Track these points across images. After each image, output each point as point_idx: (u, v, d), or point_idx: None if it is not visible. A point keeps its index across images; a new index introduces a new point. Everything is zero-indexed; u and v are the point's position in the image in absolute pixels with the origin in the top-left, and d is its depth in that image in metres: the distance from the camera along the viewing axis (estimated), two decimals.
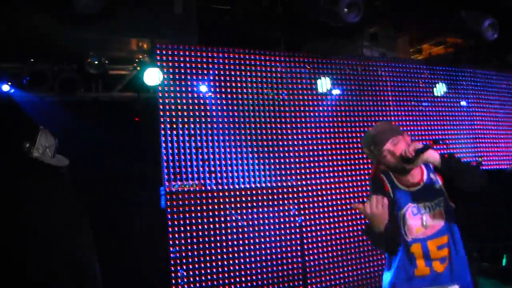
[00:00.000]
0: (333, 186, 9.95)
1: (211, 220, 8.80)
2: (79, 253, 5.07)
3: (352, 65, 10.30)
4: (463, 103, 11.93)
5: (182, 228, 8.58)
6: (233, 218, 8.92)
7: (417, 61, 12.02)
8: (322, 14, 9.07)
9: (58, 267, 4.85)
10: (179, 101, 8.82)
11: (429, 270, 4.78)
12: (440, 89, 11.55)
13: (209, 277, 8.68)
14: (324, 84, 10.12)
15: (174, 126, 8.73)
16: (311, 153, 9.80)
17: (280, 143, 9.53)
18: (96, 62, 9.43)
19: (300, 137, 9.75)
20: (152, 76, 9.39)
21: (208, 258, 8.71)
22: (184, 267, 8.53)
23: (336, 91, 10.26)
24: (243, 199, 9.11)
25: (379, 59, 10.99)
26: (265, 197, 9.29)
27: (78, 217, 5.28)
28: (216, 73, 9.15)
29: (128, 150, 9.86)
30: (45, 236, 4.84)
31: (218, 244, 8.82)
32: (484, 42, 10.31)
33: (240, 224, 8.99)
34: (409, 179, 4.82)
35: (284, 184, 9.47)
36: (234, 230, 8.96)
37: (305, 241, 9.29)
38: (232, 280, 8.91)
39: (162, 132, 8.66)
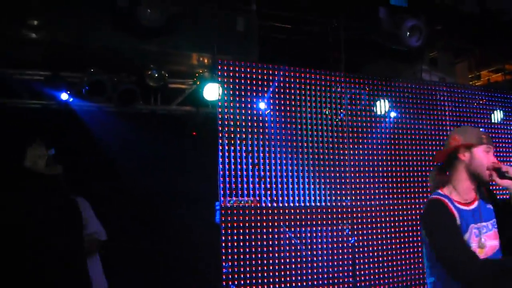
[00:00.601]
0: (387, 208, 9.93)
1: (264, 237, 8.80)
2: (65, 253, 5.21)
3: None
4: None
5: (235, 244, 8.59)
6: (287, 236, 8.94)
7: (475, 87, 11.95)
8: (384, 37, 9.11)
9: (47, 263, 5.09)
10: (237, 117, 8.87)
11: None
12: (497, 115, 11.48)
13: None
14: (382, 106, 10.12)
15: (232, 142, 8.77)
16: (366, 174, 9.80)
17: (337, 163, 9.54)
18: (156, 75, 9.52)
19: (356, 158, 9.75)
20: (212, 91, 9.48)
21: (260, 274, 8.71)
22: (236, 283, 8.54)
23: (394, 114, 10.25)
24: (298, 217, 9.11)
25: (439, 83, 10.95)
26: (319, 216, 9.30)
27: (67, 221, 5.41)
28: (276, 90, 9.18)
29: (185, 164, 9.95)
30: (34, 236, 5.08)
31: (271, 262, 8.81)
32: None
33: (293, 242, 9.00)
34: (467, 196, 4.69)
35: (339, 204, 9.47)
36: (287, 248, 8.97)
37: (357, 261, 9.29)
38: None
39: (220, 147, 8.70)
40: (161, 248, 9.63)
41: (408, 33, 8.92)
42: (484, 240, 4.59)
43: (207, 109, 10.07)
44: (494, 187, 4.90)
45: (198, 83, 9.96)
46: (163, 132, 9.96)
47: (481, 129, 4.82)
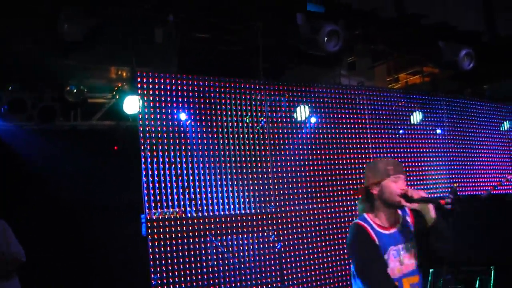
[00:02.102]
0: (311, 212, 10.07)
1: (191, 247, 8.82)
2: None
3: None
4: (438, 130, 12.13)
5: (163, 255, 8.58)
6: (214, 244, 8.96)
7: (393, 90, 12.20)
8: (303, 42, 9.21)
9: None
10: (159, 129, 8.85)
11: None
12: (416, 117, 11.75)
13: None
14: (302, 112, 10.24)
15: (155, 153, 8.75)
16: (289, 180, 9.90)
17: (259, 170, 9.61)
18: (75, 90, 9.45)
19: (278, 164, 9.85)
20: (132, 104, 9.43)
21: (189, 284, 8.72)
22: None
23: (314, 119, 10.38)
24: (223, 225, 9.16)
25: (357, 87, 11.12)
26: (244, 223, 9.36)
27: None
28: (196, 101, 9.20)
29: (108, 178, 9.88)
30: None
31: (199, 271, 8.84)
32: (461, 71, 10.53)
33: (220, 250, 9.03)
34: (387, 221, 5.01)
35: (263, 210, 9.54)
36: (215, 257, 9.00)
37: (284, 266, 9.37)
38: None
39: (143, 159, 8.68)
40: (88, 264, 9.54)
41: (326, 39, 9.02)
42: (403, 258, 4.95)
43: (127, 123, 10.00)
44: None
45: (117, 96, 9.91)
46: (84, 147, 9.85)
47: (390, 160, 5.16)
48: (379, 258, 4.85)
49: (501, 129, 13.39)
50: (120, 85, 9.98)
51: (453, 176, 12.05)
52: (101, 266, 9.49)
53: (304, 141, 10.21)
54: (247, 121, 9.69)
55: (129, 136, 9.54)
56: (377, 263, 4.84)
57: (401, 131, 11.52)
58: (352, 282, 5.11)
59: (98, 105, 10.17)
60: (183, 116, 9.13)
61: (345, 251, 9.66)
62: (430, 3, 9.54)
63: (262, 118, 9.82)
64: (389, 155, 10.99)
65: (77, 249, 9.55)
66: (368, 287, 4.88)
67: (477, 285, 9.98)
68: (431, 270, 10.21)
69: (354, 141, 10.67)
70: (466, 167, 12.32)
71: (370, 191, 5.02)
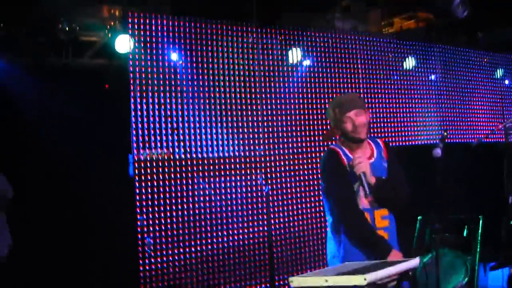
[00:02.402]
0: (300, 156, 10.07)
1: (178, 188, 8.80)
2: None
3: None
4: (432, 77, 12.08)
5: (149, 196, 8.55)
6: (201, 186, 8.98)
7: (387, 35, 12.10)
8: None
9: None
10: (149, 70, 8.78)
11: None
12: (409, 63, 11.69)
13: (175, 244, 8.73)
14: (295, 55, 10.17)
15: (144, 94, 8.70)
16: (279, 123, 9.88)
17: (249, 113, 9.58)
18: (67, 28, 9.37)
19: (269, 107, 9.82)
20: (124, 44, 9.34)
21: (175, 226, 8.74)
22: (152, 235, 8.53)
23: (307, 62, 10.32)
24: (211, 167, 9.15)
25: (350, 33, 11.04)
26: (233, 166, 9.37)
27: None
28: (188, 42, 9.13)
29: (99, 117, 9.83)
30: None
31: (186, 213, 8.85)
32: (455, 19, 10.44)
33: (207, 192, 9.05)
34: (361, 153, 5.03)
35: (252, 153, 9.55)
36: (202, 199, 9.02)
37: (271, 210, 9.40)
38: (199, 248, 8.97)
39: (132, 99, 8.62)
40: (77, 204, 9.54)
41: None
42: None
43: (119, 62, 9.91)
44: None
45: (109, 35, 9.82)
46: (76, 86, 9.78)
47: (348, 95, 5.26)
48: (347, 181, 4.95)
49: (494, 77, 13.35)
50: (112, 23, 9.87)
51: (445, 123, 12.05)
52: (89, 205, 9.47)
53: (296, 85, 10.15)
54: (239, 63, 9.62)
55: (121, 75, 9.45)
56: (344, 186, 4.95)
57: (394, 77, 11.49)
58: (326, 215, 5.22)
59: (90, 44, 10.06)
60: (174, 57, 9.06)
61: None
62: None
63: (253, 61, 9.75)
64: (381, 101, 10.98)
65: (65, 190, 9.52)
66: (335, 210, 5.01)
67: (465, 234, 10.01)
68: (418, 218, 10.26)
69: (346, 85, 10.61)
70: (458, 115, 12.33)
71: (334, 131, 5.15)
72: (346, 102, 5.10)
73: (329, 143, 5.32)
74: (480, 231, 9.80)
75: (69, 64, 9.85)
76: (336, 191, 4.97)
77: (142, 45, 8.79)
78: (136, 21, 8.77)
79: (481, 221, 9.87)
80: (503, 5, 11.68)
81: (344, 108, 5.01)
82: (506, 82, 13.63)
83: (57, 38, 9.41)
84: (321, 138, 10.02)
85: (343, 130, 5.02)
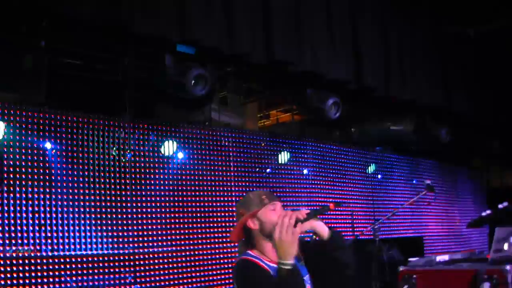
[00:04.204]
0: (172, 254, 9.97)
1: (45, 287, 8.54)
2: None
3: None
4: (305, 171, 12.27)
5: None
6: (68, 285, 8.73)
7: (260, 133, 12.29)
8: (170, 85, 9.13)
9: None
10: (18, 163, 8.57)
11: None
12: (284, 157, 11.85)
13: None
14: (168, 149, 10.15)
15: (11, 189, 8.46)
16: (149, 221, 9.78)
17: (119, 210, 9.45)
18: None
19: (139, 204, 9.71)
20: None
21: None
22: None
23: (181, 156, 10.31)
24: (79, 266, 8.90)
25: (224, 129, 11.16)
26: (101, 264, 9.13)
27: None
28: (59, 135, 8.97)
29: None
30: None
31: None
32: (327, 119, 10.70)
33: None
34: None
35: (121, 251, 9.38)
36: None
37: None
38: None
39: None
40: None
41: (193, 82, 8.95)
42: None
43: None
44: None
45: None
46: None
47: (260, 191, 4.91)
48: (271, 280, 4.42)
49: (367, 172, 13.71)
50: None
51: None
52: None
53: (169, 179, 10.12)
54: (114, 153, 9.52)
55: None
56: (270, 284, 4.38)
57: (268, 170, 11.61)
58: None
59: None
60: (45, 150, 8.88)
61: None
62: (299, 52, 9.62)
63: (128, 151, 9.66)
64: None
65: None
66: None
67: None
68: None
69: (219, 181, 10.65)
70: (331, 212, 12.48)
71: (249, 227, 4.63)
72: (270, 193, 4.74)
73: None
74: None
75: None
76: None
77: (12, 135, 8.58)
78: (6, 112, 8.58)
79: None
80: (375, 102, 12.11)
81: (271, 197, 4.65)
82: (378, 176, 13.99)
83: None
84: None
85: (265, 221, 4.57)
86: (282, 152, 11.89)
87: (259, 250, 4.64)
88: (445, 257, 7.22)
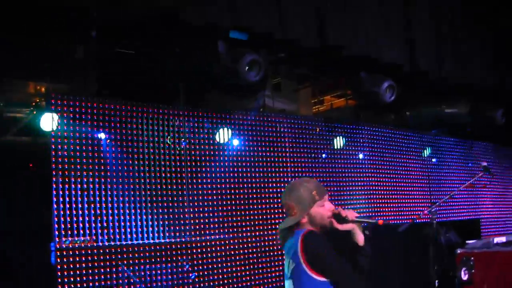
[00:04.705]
0: (227, 242, 9.91)
1: (102, 277, 8.53)
2: None
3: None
4: (360, 155, 12.13)
5: (72, 286, 8.25)
6: (126, 274, 8.73)
7: (315, 118, 12.16)
8: (224, 71, 9.08)
9: None
10: (72, 154, 8.55)
11: None
12: (338, 142, 11.73)
13: None
14: (224, 134, 10.08)
15: (67, 179, 8.45)
16: (206, 208, 9.72)
17: (175, 198, 9.41)
18: None
19: (195, 192, 9.66)
20: (48, 122, 9.11)
21: None
22: None
23: (236, 143, 10.25)
24: (136, 255, 8.90)
25: (279, 115, 11.04)
26: (158, 253, 9.12)
27: None
28: (112, 125, 8.95)
29: (21, 199, 9.57)
30: None
31: None
32: (383, 102, 10.58)
33: (132, 281, 8.80)
34: None
35: (178, 240, 9.35)
36: (126, 287, 8.77)
37: None
38: None
39: (54, 185, 8.36)
40: None
41: (247, 68, 8.90)
42: None
43: (45, 140, 9.68)
44: None
45: (34, 112, 9.61)
46: None
47: (311, 184, 4.89)
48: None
49: (422, 156, 13.53)
50: (38, 100, 9.67)
51: (373, 203, 12.09)
52: None
53: (225, 167, 10.05)
54: (169, 142, 9.49)
55: (45, 155, 9.21)
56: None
57: (323, 155, 11.50)
58: None
59: (15, 120, 9.83)
60: (99, 140, 8.87)
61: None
62: (352, 36, 9.52)
63: (183, 139, 9.62)
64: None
65: None
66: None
67: None
68: None
69: (274, 167, 10.55)
70: (386, 195, 12.37)
71: (300, 222, 4.78)
72: (320, 186, 4.86)
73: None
74: None
75: None
76: (340, 265, 4.66)
77: (65, 127, 8.56)
78: (59, 103, 8.55)
79: None
80: (429, 85, 11.96)
81: (321, 191, 4.80)
82: (433, 160, 13.81)
83: None
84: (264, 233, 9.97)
85: (316, 216, 4.77)
86: (337, 137, 11.75)
87: None
88: (503, 239, 7.16)
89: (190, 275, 9.09)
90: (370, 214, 11.73)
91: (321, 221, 4.77)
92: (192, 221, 9.55)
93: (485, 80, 12.19)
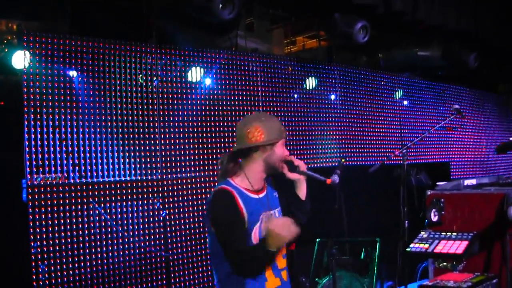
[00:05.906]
0: (198, 180, 9.96)
1: (73, 214, 8.57)
2: None
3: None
4: (332, 96, 12.17)
5: (43, 223, 8.29)
6: (97, 212, 8.77)
7: (287, 58, 12.13)
8: (197, 9, 9.03)
9: None
10: (44, 91, 8.51)
11: (279, 280, 4.75)
12: (310, 83, 11.74)
13: (71, 272, 8.49)
14: (195, 75, 10.05)
15: (38, 116, 8.43)
16: (177, 147, 9.74)
17: (147, 136, 9.43)
18: None
19: (167, 130, 9.67)
20: (20, 60, 9.06)
21: (70, 253, 8.50)
22: (46, 263, 8.25)
23: (207, 82, 10.21)
24: (107, 192, 8.93)
25: (252, 54, 11.00)
26: (129, 191, 9.17)
27: None
28: (85, 62, 8.90)
29: None
30: None
31: (81, 239, 8.62)
32: (355, 44, 10.60)
33: (103, 218, 8.84)
34: (257, 185, 4.78)
35: (149, 177, 9.39)
36: (97, 224, 8.81)
37: (168, 235, 9.27)
38: (95, 275, 8.75)
39: (26, 122, 8.34)
40: None
41: (221, 6, 8.86)
42: None
43: (17, 78, 9.61)
44: None
45: (6, 50, 9.51)
46: None
47: (278, 121, 4.90)
48: (243, 226, 4.58)
49: (394, 98, 13.60)
50: (9, 38, 9.56)
51: (344, 145, 12.18)
52: None
53: (196, 105, 10.04)
54: (141, 80, 9.46)
55: (16, 93, 9.14)
56: (240, 231, 4.56)
57: (295, 95, 11.52)
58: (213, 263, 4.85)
59: None
60: (71, 77, 8.82)
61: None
62: None
63: (154, 78, 9.59)
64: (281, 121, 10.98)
65: None
66: (229, 259, 4.57)
67: (362, 256, 10.16)
68: (317, 240, 10.35)
69: (246, 106, 10.55)
70: (357, 137, 12.46)
71: (259, 149, 4.69)
72: (281, 127, 4.80)
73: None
74: (377, 253, 9.95)
75: None
76: (230, 236, 4.53)
77: (37, 64, 8.52)
78: (31, 39, 8.50)
79: (378, 244, 10.03)
80: (399, 29, 11.99)
81: (281, 133, 4.77)
82: (405, 102, 13.88)
83: None
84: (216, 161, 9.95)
85: (275, 154, 4.70)
86: (310, 77, 11.75)
87: (245, 174, 4.76)
88: (473, 181, 7.26)
89: (161, 212, 9.13)
90: (342, 155, 11.84)
91: (277, 161, 4.73)
92: (163, 159, 9.57)
93: (459, 23, 12.21)
